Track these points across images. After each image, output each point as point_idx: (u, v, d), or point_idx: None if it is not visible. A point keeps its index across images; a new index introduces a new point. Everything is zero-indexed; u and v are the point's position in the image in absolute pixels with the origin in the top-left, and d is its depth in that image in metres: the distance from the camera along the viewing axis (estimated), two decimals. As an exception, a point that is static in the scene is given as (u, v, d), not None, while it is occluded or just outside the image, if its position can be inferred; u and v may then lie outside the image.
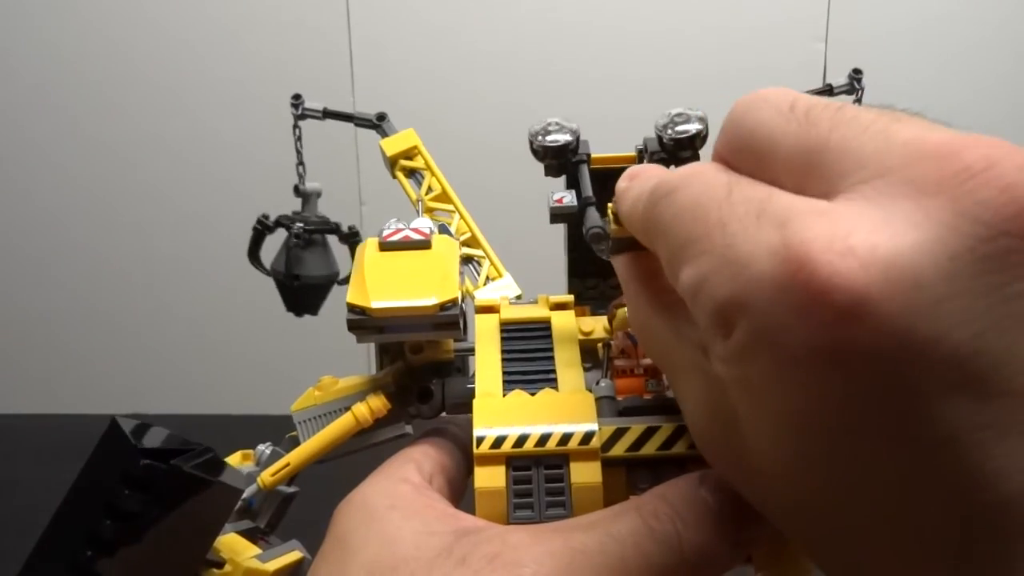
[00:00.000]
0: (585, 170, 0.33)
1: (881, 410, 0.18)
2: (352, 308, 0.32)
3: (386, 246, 0.35)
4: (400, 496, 0.29)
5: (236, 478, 0.27)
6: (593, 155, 0.34)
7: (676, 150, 0.33)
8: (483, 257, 0.45)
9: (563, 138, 0.33)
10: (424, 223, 0.36)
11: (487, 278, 0.44)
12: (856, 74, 0.54)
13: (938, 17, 1.48)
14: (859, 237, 0.17)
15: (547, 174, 0.35)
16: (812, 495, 0.21)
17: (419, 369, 0.36)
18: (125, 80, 1.62)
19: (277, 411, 0.36)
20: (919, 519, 0.19)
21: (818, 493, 0.21)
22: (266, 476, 0.33)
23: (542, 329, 0.36)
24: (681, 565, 0.25)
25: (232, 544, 0.30)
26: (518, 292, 0.43)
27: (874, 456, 0.19)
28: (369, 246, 0.35)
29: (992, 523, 0.18)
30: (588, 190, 0.33)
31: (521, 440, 0.29)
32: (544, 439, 0.29)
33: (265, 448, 0.37)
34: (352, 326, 0.33)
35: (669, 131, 0.33)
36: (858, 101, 0.56)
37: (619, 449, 0.30)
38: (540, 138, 0.34)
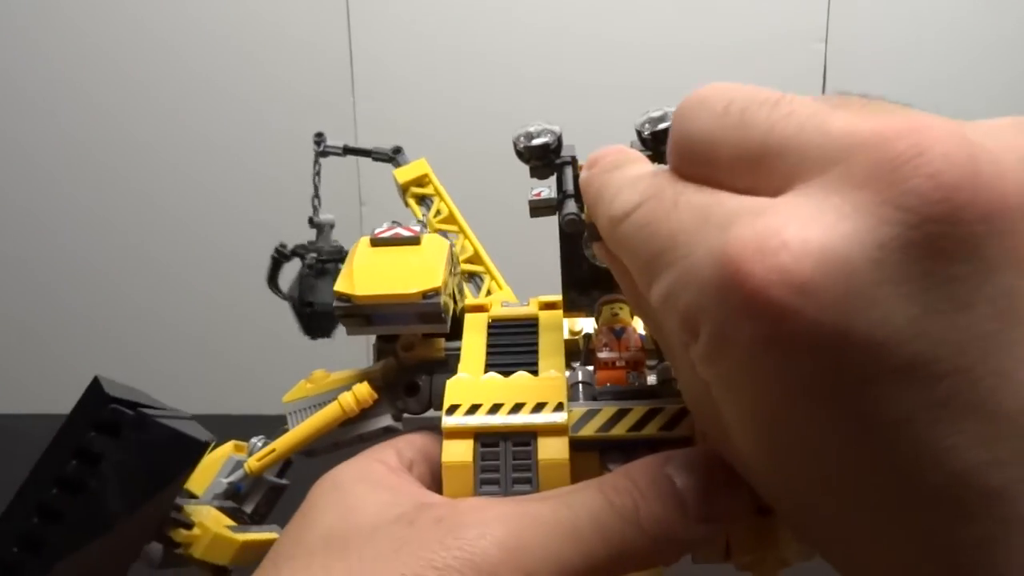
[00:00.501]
0: (569, 170, 0.35)
1: (834, 398, 0.18)
2: (339, 296, 0.34)
3: (377, 242, 0.36)
4: (371, 472, 0.30)
5: (201, 431, 0.28)
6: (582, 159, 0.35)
7: (656, 145, 0.34)
8: (485, 273, 0.47)
9: (544, 139, 0.35)
10: (416, 226, 0.38)
11: (488, 292, 0.46)
12: None
13: (938, 17, 1.47)
14: (791, 232, 0.18)
15: (532, 175, 0.36)
16: (791, 485, 0.21)
17: (410, 366, 0.37)
18: (118, 84, 1.65)
19: (276, 411, 0.37)
20: (889, 503, 0.19)
21: (795, 483, 0.21)
22: (252, 462, 0.34)
23: (529, 325, 0.36)
24: (640, 538, 0.25)
25: (206, 513, 0.31)
26: (515, 301, 0.44)
27: (836, 443, 0.19)
28: (361, 243, 0.37)
29: (954, 500, 0.18)
30: (569, 185, 0.34)
31: (490, 414, 0.29)
32: (512, 414, 0.29)
33: (258, 440, 0.38)
34: (339, 313, 0.34)
35: (647, 127, 0.34)
36: None
37: (589, 430, 0.30)
38: (523, 140, 0.35)
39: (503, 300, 0.39)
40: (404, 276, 0.34)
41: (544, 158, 0.35)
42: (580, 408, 0.30)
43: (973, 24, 1.51)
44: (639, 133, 0.34)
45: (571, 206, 0.32)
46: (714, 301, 0.19)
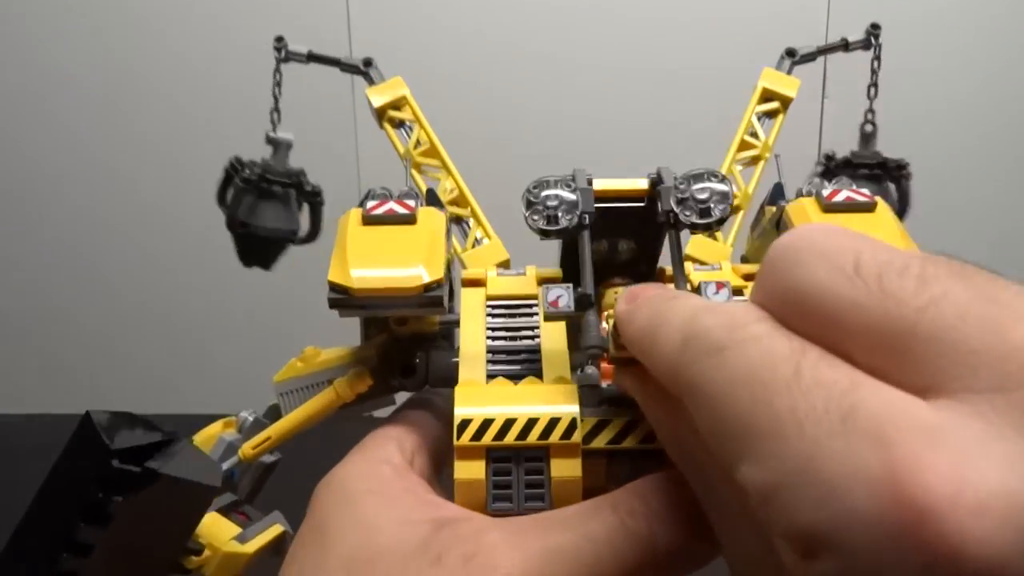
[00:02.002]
0: (586, 243, 0.31)
1: None
2: (333, 286, 0.32)
3: (369, 219, 0.34)
4: (379, 479, 0.29)
5: (211, 471, 0.27)
6: (599, 186, 0.32)
7: (691, 213, 0.31)
8: (470, 216, 0.44)
9: (567, 221, 0.30)
10: (411, 196, 0.35)
11: (475, 240, 0.44)
12: (874, 29, 0.52)
13: (939, 16, 1.45)
14: (991, 483, 0.14)
15: (544, 239, 0.32)
16: None
17: (403, 341, 0.36)
18: (117, 81, 1.54)
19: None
20: None
21: None
22: (247, 448, 0.33)
23: (528, 306, 0.35)
24: (654, 562, 0.26)
25: (211, 528, 0.30)
26: (505, 256, 0.43)
27: None
28: (352, 219, 0.34)
29: None
30: (588, 278, 0.30)
31: (502, 433, 0.29)
32: (525, 432, 0.29)
33: (248, 415, 0.37)
34: (333, 304, 0.32)
35: (687, 192, 0.30)
36: (877, 59, 0.53)
37: (600, 442, 0.30)
38: (541, 221, 0.30)
39: (498, 267, 0.38)
40: (403, 263, 0.32)
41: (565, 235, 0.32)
42: (591, 418, 0.30)
43: (973, 22, 1.46)
44: (676, 198, 0.31)
45: (592, 330, 0.29)
46: (865, 542, 0.15)
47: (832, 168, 0.51)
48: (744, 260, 0.43)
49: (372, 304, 0.33)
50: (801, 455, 0.16)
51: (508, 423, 0.29)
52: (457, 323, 0.35)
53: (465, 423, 0.29)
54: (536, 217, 0.29)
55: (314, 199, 0.53)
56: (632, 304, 0.25)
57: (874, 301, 0.17)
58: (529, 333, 0.34)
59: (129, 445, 0.23)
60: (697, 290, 0.30)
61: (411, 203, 0.34)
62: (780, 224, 0.36)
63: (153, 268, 1.58)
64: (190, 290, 1.57)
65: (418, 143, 0.47)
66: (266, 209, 0.51)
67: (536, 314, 0.35)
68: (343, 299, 0.32)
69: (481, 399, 0.30)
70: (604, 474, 0.31)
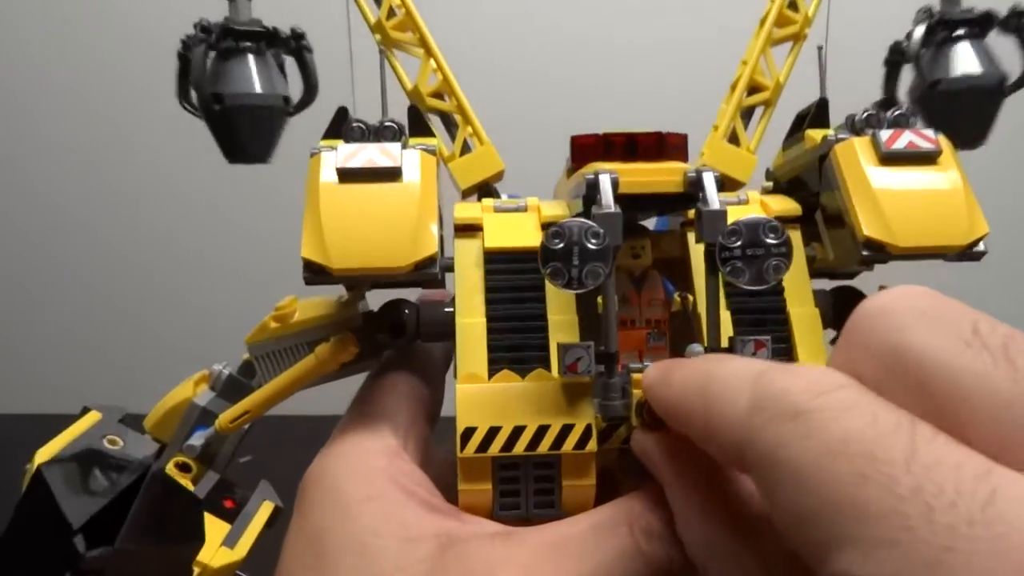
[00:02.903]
0: (611, 294, 0.26)
1: None
2: (310, 265, 0.27)
3: (346, 175, 0.28)
4: (376, 481, 0.27)
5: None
6: (625, 176, 0.26)
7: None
8: (457, 113, 0.38)
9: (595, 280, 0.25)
10: (391, 136, 0.29)
11: (464, 143, 0.38)
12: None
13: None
14: None
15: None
16: None
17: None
18: (114, 84, 1.33)
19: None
20: None
21: None
22: (224, 421, 0.30)
23: (531, 259, 0.31)
24: None
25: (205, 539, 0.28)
26: (500, 166, 0.37)
27: None
28: (324, 170, 0.28)
29: None
30: (612, 335, 0.26)
31: (510, 443, 0.26)
32: (535, 442, 0.26)
33: (221, 367, 0.33)
34: (309, 282, 0.28)
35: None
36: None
37: (615, 442, 0.28)
38: (559, 281, 0.25)
39: (494, 202, 0.33)
40: (388, 235, 0.27)
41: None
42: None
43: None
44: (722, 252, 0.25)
45: (615, 398, 0.26)
46: None
47: (931, 27, 0.42)
48: (769, 175, 0.38)
49: (353, 280, 0.29)
50: (933, 545, 0.14)
51: (517, 431, 0.26)
52: (450, 268, 0.31)
53: (470, 431, 0.26)
54: (557, 280, 0.24)
55: (298, 46, 0.44)
56: (663, 376, 0.21)
57: (1002, 373, 0.15)
58: (533, 294, 0.30)
59: (89, 509, 0.20)
60: (731, 348, 0.26)
61: (394, 151, 0.28)
62: (824, 163, 0.31)
63: (147, 269, 1.47)
64: (187, 288, 1.46)
65: (391, 12, 0.38)
66: (240, 72, 0.42)
67: (540, 271, 0.31)
68: (321, 278, 0.27)
69: (486, 403, 0.27)
70: (615, 459, 0.29)
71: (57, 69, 1.36)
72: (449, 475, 0.32)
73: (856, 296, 0.33)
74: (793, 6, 0.39)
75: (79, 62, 1.34)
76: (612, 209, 0.25)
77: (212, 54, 0.42)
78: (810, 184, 0.33)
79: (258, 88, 0.43)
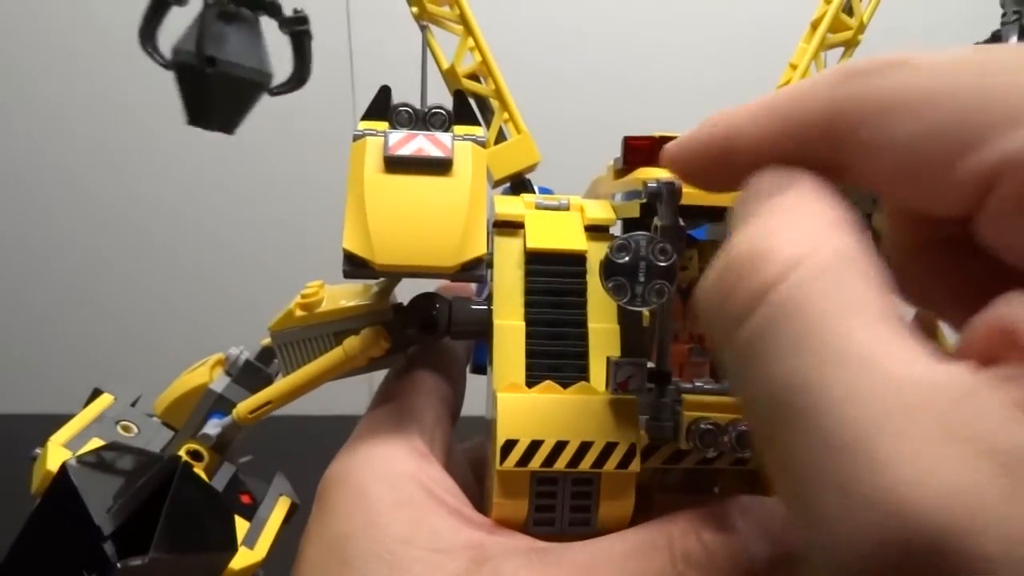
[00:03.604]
0: (669, 310, 0.25)
1: None
2: (351, 257, 0.26)
3: (394, 163, 0.26)
4: (404, 487, 0.26)
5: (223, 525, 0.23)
6: (686, 187, 0.25)
7: None
8: (495, 98, 0.36)
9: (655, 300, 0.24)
10: (441, 123, 0.28)
11: (499, 131, 0.36)
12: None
13: (943, 18, 1.23)
14: None
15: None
16: None
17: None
18: (114, 83, 1.30)
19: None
20: None
21: None
22: (243, 412, 0.29)
23: (575, 262, 0.29)
24: None
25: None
26: (537, 158, 0.36)
27: None
28: (370, 157, 0.27)
29: None
30: (666, 352, 0.25)
31: (551, 458, 0.25)
32: (577, 459, 0.25)
33: (238, 351, 0.32)
34: (349, 275, 0.26)
35: None
36: None
37: (655, 461, 0.27)
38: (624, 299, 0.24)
39: (536, 198, 0.31)
40: (436, 231, 0.26)
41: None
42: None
43: (974, 24, 1.18)
44: None
45: (667, 420, 0.25)
46: None
47: None
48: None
49: (395, 275, 0.28)
50: None
51: (559, 447, 0.25)
52: (489, 263, 0.30)
53: (511, 444, 0.25)
54: (620, 296, 0.23)
55: (298, 28, 0.42)
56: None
57: None
58: (574, 299, 0.29)
59: (117, 505, 0.19)
60: None
61: (446, 140, 0.27)
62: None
63: (150, 266, 1.43)
64: (190, 288, 1.43)
65: (428, -14, 0.36)
66: (238, 39, 0.40)
67: (583, 274, 0.29)
68: (363, 272, 0.26)
69: (528, 415, 0.26)
70: (651, 475, 0.28)
71: (57, 69, 1.34)
72: (469, 475, 0.31)
73: None
74: (849, 11, 0.37)
75: (82, 62, 1.32)
76: (679, 222, 0.24)
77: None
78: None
79: (253, 61, 0.41)
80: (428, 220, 0.26)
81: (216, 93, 0.39)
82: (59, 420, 0.23)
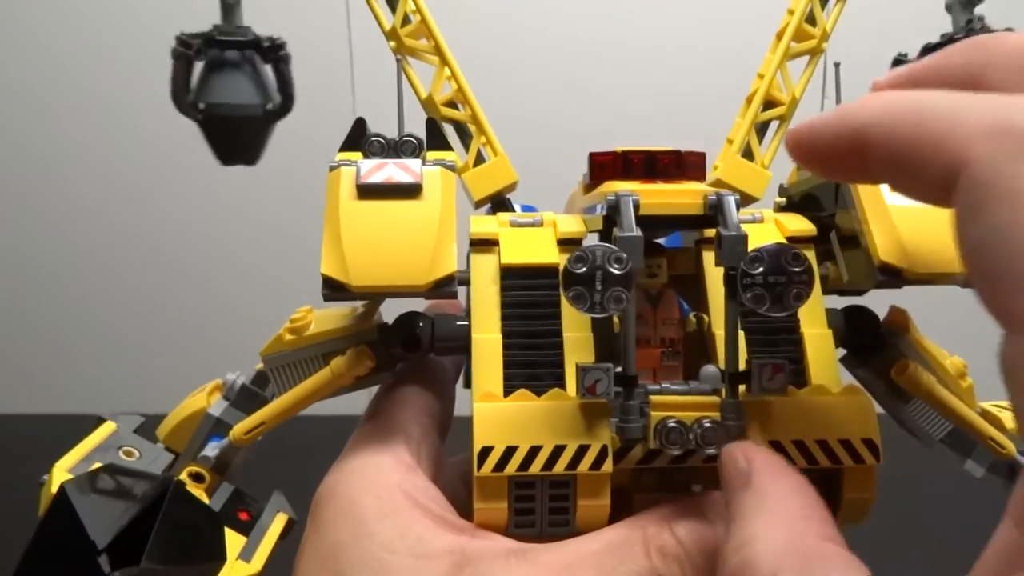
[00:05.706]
0: (631, 317, 0.26)
1: None
2: (329, 281, 0.27)
3: (366, 190, 0.28)
4: (390, 498, 0.27)
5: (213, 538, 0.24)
6: (645, 198, 0.26)
7: None
8: (471, 123, 0.38)
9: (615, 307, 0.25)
10: (411, 151, 0.29)
11: (477, 153, 0.37)
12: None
13: (942, 17, 1.23)
14: None
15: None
16: None
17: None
18: (113, 81, 1.31)
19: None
20: None
21: None
22: (239, 433, 0.31)
23: (549, 275, 0.31)
24: None
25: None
26: (514, 178, 0.37)
27: None
28: (344, 186, 0.28)
29: None
30: (631, 358, 0.26)
31: (526, 463, 0.26)
32: (551, 462, 0.26)
33: (235, 377, 0.33)
34: (328, 298, 0.28)
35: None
36: None
37: (630, 462, 0.28)
38: (582, 307, 0.25)
39: (511, 216, 0.33)
40: (408, 252, 0.27)
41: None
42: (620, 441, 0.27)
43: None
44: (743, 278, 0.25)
45: (634, 421, 0.26)
46: None
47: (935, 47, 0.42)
48: (782, 191, 0.38)
49: (372, 297, 0.29)
50: None
51: (533, 451, 0.27)
52: (465, 281, 0.31)
53: (487, 451, 0.26)
54: (580, 305, 0.24)
55: (273, 55, 0.44)
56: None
57: None
58: (549, 310, 0.30)
59: (114, 533, 0.20)
60: (748, 371, 0.26)
61: (414, 167, 0.28)
62: (839, 191, 0.31)
63: (152, 266, 1.46)
64: (194, 287, 1.45)
65: (406, 18, 0.38)
66: (223, 82, 0.42)
67: (556, 286, 0.31)
68: (340, 294, 0.27)
69: (503, 423, 0.27)
70: (628, 477, 0.29)
71: (58, 70, 1.36)
72: (459, 487, 0.32)
73: (868, 316, 0.33)
74: (811, 20, 0.39)
75: (83, 63, 1.35)
76: (634, 232, 0.25)
77: (198, 64, 0.43)
78: (825, 203, 0.33)
79: (235, 98, 0.43)
80: (400, 242, 0.27)
81: (215, 134, 0.42)
82: (59, 420, 0.24)
